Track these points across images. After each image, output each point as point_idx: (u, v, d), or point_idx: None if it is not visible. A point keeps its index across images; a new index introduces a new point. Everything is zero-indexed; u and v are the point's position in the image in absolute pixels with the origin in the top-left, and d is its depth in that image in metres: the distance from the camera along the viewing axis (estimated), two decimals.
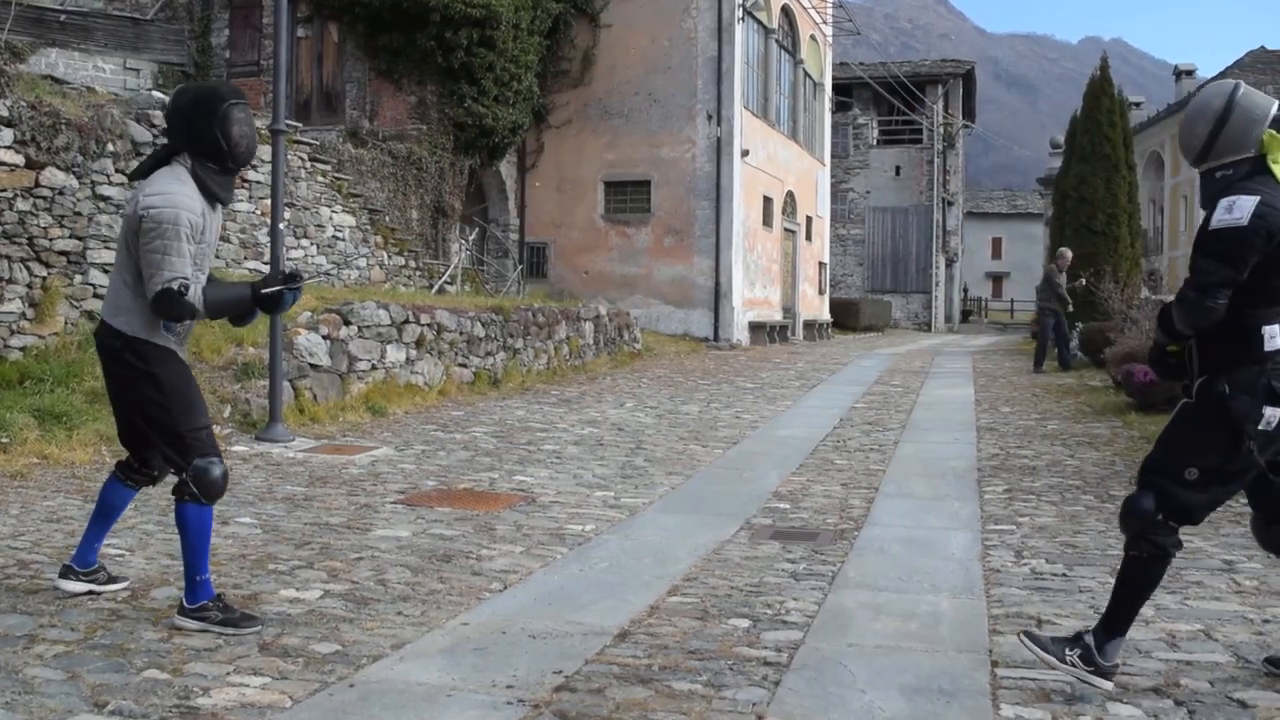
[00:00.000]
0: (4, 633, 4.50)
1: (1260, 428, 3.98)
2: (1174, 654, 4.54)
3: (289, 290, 4.81)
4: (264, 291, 4.78)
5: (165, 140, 4.91)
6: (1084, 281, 20.21)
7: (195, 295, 4.58)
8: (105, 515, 5.12)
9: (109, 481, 5.11)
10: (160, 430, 4.72)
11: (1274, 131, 4.04)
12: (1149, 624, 4.94)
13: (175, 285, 4.48)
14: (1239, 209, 3.89)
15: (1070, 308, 19.69)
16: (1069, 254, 20.46)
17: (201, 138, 4.65)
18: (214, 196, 4.75)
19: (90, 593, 5.00)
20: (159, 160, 4.77)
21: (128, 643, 4.44)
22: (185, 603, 4.69)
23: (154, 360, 4.68)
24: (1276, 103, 4.12)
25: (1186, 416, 4.15)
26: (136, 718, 3.71)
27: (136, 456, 5.05)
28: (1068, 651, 4.06)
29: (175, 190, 4.59)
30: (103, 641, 4.45)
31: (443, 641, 4.59)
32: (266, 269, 12.85)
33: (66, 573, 5.05)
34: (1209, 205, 4.07)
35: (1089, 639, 4.08)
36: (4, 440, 8.27)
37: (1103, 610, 4.28)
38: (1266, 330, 3.97)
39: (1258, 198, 3.90)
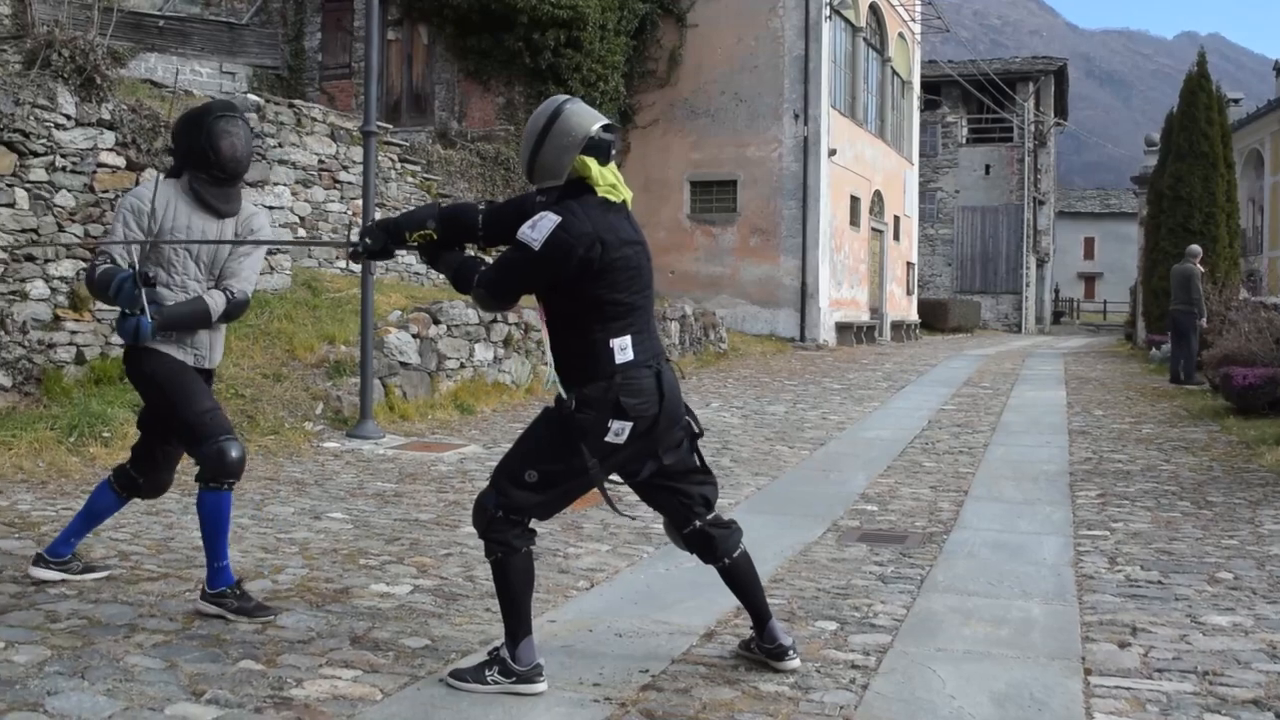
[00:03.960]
0: (106, 622, 4.63)
1: (609, 439, 3.98)
2: (1274, 665, 4.43)
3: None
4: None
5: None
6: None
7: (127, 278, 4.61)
8: (91, 517, 5.28)
9: (100, 485, 5.28)
10: (171, 423, 4.88)
11: (586, 158, 3.96)
12: (1248, 634, 4.82)
13: (97, 262, 4.72)
14: (540, 228, 3.85)
15: (1205, 318, 17.35)
16: (1200, 252, 18.19)
17: (191, 150, 4.85)
18: (211, 208, 4.90)
19: (63, 581, 5.15)
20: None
21: (224, 633, 4.53)
22: (206, 588, 4.84)
23: (146, 362, 4.85)
24: (599, 124, 4.00)
25: (540, 422, 4.14)
26: (232, 707, 3.79)
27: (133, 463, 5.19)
28: (487, 673, 4.01)
29: (136, 189, 4.92)
30: (200, 632, 4.55)
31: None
32: (358, 269, 13.03)
33: (39, 560, 5.23)
34: None
35: (503, 652, 4.04)
36: (105, 434, 8.50)
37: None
38: (615, 343, 3.98)
39: (559, 220, 3.85)
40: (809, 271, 25.20)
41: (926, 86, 39.99)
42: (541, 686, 4.02)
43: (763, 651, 4.32)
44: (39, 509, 6.73)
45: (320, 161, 15.10)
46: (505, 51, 22.07)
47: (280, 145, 13.29)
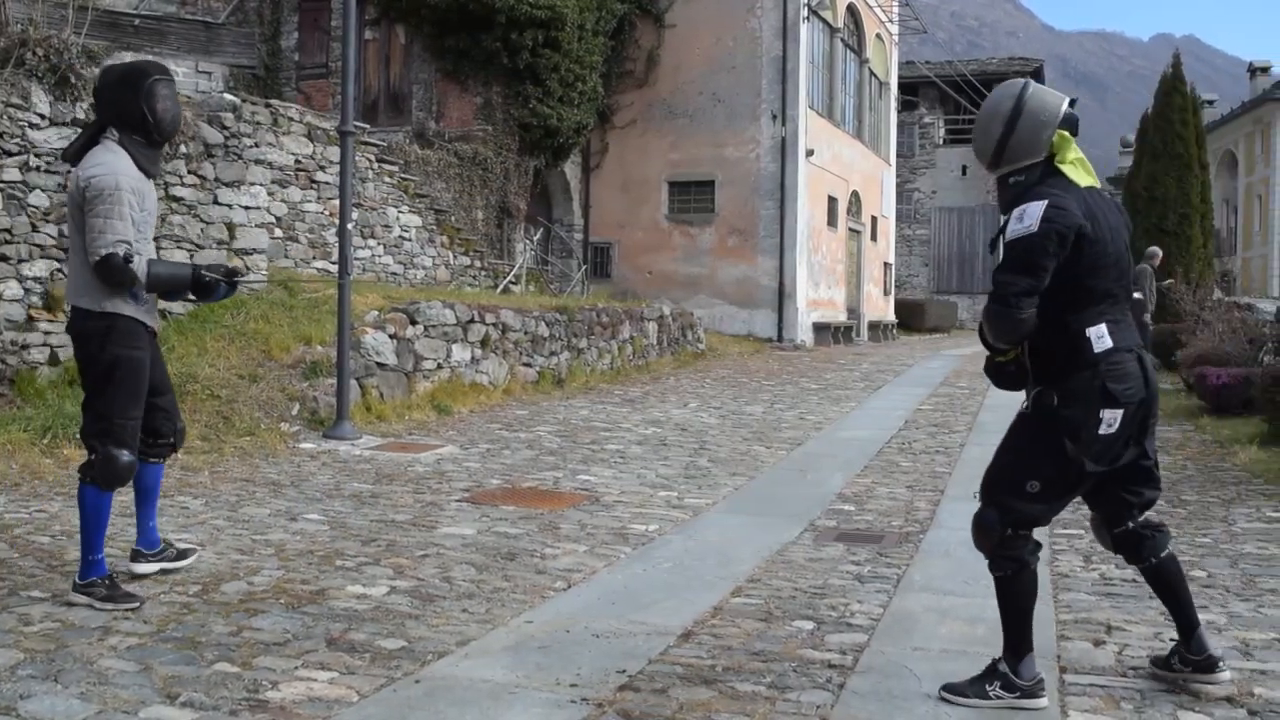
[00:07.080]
0: (79, 624, 4.60)
1: (1101, 432, 3.90)
2: (1247, 663, 4.46)
3: (225, 283, 5.07)
4: (204, 279, 5.01)
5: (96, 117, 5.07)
6: (1171, 282, 19.71)
7: (139, 265, 4.78)
8: (144, 497, 5.33)
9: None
10: (93, 406, 4.93)
11: (1065, 132, 3.97)
12: (1221, 631, 4.85)
13: (120, 250, 4.70)
14: (1029, 216, 3.83)
15: (1151, 310, 18.24)
16: (1159, 253, 19.07)
17: (128, 112, 4.86)
18: (143, 169, 4.94)
19: (163, 571, 5.28)
20: (90, 139, 4.96)
21: (198, 636, 4.51)
22: (77, 579, 4.90)
23: (115, 340, 4.85)
24: (1066, 100, 4.04)
25: (1021, 429, 4.08)
26: (207, 710, 3.77)
27: (144, 429, 5.17)
28: (988, 687, 3.98)
29: (112, 161, 4.83)
30: (174, 634, 4.53)
31: (507, 639, 4.62)
32: (335, 269, 13.00)
33: (136, 556, 5.30)
34: (1006, 211, 4.01)
35: (1003, 667, 4.01)
36: (78, 436, 8.43)
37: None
38: (1091, 332, 3.91)
39: (1045, 202, 3.84)
40: (786, 272, 25.25)
41: (904, 87, 40.13)
42: (1044, 701, 3.97)
43: (1188, 663, 4.15)
44: (12, 511, 6.69)
45: (297, 161, 15.05)
46: (483, 51, 22.01)
47: (257, 145, 13.23)
